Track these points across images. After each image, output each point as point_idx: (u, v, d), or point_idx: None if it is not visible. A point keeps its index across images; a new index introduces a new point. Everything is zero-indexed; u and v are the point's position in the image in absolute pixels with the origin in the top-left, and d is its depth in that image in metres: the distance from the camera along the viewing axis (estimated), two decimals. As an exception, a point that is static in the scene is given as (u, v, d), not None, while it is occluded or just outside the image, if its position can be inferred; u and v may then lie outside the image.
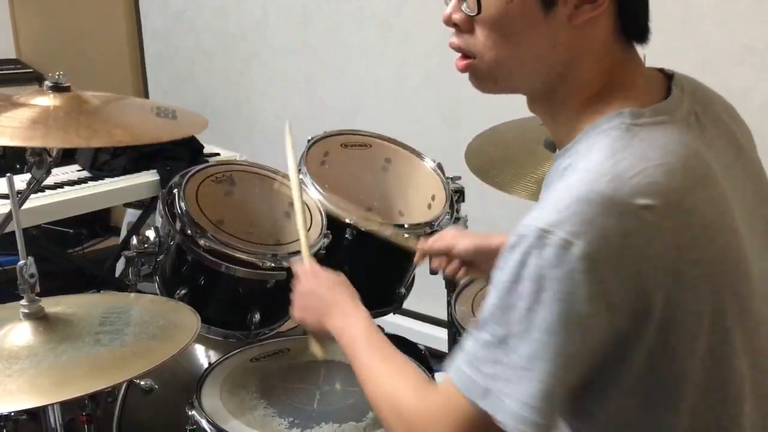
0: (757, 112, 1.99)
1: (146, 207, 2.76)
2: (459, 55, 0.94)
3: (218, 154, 2.68)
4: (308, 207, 1.64)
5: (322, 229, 1.60)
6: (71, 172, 2.50)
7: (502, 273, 0.82)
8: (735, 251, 0.86)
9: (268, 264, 1.49)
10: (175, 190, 1.54)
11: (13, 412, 1.33)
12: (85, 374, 1.13)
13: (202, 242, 1.47)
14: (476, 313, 1.73)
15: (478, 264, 1.42)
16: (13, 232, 1.21)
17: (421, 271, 1.83)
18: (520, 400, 0.80)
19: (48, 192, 2.27)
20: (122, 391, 1.64)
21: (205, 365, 1.56)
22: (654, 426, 0.86)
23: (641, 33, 0.91)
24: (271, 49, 3.22)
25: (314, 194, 1.65)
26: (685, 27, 2.12)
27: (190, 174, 1.59)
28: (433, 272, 1.84)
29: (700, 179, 0.85)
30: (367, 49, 2.88)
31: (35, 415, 1.31)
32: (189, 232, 1.48)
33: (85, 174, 2.49)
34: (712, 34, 2.10)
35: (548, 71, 0.90)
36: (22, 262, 1.18)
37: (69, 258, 3.12)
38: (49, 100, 1.36)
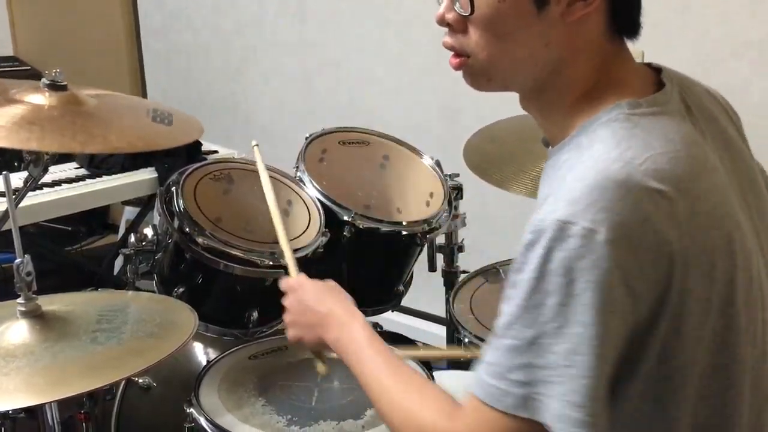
0: (755, 106, 2.00)
1: (144, 205, 2.75)
2: (452, 52, 0.94)
3: (216, 152, 2.68)
4: (306, 205, 1.63)
5: (320, 228, 1.60)
6: (69, 169, 2.50)
7: (523, 273, 0.80)
8: (739, 238, 0.86)
9: (266, 262, 1.49)
10: (173, 188, 1.54)
11: (11, 410, 1.33)
12: (82, 372, 1.13)
13: (200, 240, 1.46)
14: (474, 311, 1.73)
15: None
16: (10, 230, 1.20)
17: (419, 269, 1.83)
18: (565, 400, 0.77)
19: (45, 189, 2.27)
20: (120, 389, 1.64)
21: (204, 363, 1.56)
22: (661, 418, 0.85)
23: (633, 28, 0.91)
24: (269, 46, 3.22)
25: (312, 192, 1.65)
26: (683, 22, 2.11)
27: (188, 172, 1.59)
28: (432, 269, 1.85)
29: (703, 167, 0.85)
30: (365, 45, 2.87)
31: (33, 413, 1.31)
32: (187, 230, 1.48)
33: (82, 171, 2.48)
34: (711, 29, 2.10)
35: (542, 69, 0.90)
36: (18, 260, 1.18)
37: (66, 256, 3.12)
38: (44, 99, 1.35)
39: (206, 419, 1.31)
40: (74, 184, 2.37)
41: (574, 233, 0.77)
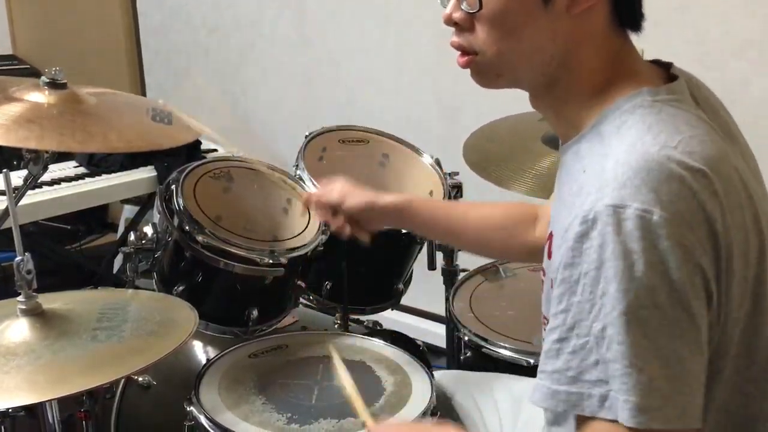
0: (756, 105, 2.00)
1: (144, 203, 2.75)
2: (458, 52, 0.94)
3: (215, 150, 2.68)
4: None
5: (320, 226, 1.60)
6: (68, 168, 2.50)
7: (579, 266, 0.79)
8: (764, 218, 0.86)
9: (266, 260, 1.49)
10: (173, 186, 1.54)
11: (11, 408, 1.33)
12: (82, 371, 1.12)
13: (200, 238, 1.47)
14: (474, 309, 1.73)
15: (365, 222, 1.38)
16: (10, 229, 1.20)
17: (419, 267, 1.83)
18: (639, 390, 0.75)
19: (45, 188, 2.27)
20: (120, 388, 1.64)
21: (204, 361, 1.56)
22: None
23: (636, 21, 0.92)
24: (268, 44, 3.21)
25: (312, 190, 1.65)
26: (683, 20, 2.11)
27: (187, 170, 1.59)
28: (432, 268, 1.84)
29: (725, 151, 0.86)
30: (365, 44, 2.87)
31: (33, 411, 1.31)
32: (187, 228, 1.48)
33: (82, 170, 2.49)
34: (711, 28, 2.10)
35: (549, 63, 0.91)
36: (19, 258, 1.18)
37: (66, 254, 3.12)
38: (43, 97, 1.35)
39: (206, 417, 1.31)
40: (73, 183, 2.37)
41: (629, 216, 0.76)
